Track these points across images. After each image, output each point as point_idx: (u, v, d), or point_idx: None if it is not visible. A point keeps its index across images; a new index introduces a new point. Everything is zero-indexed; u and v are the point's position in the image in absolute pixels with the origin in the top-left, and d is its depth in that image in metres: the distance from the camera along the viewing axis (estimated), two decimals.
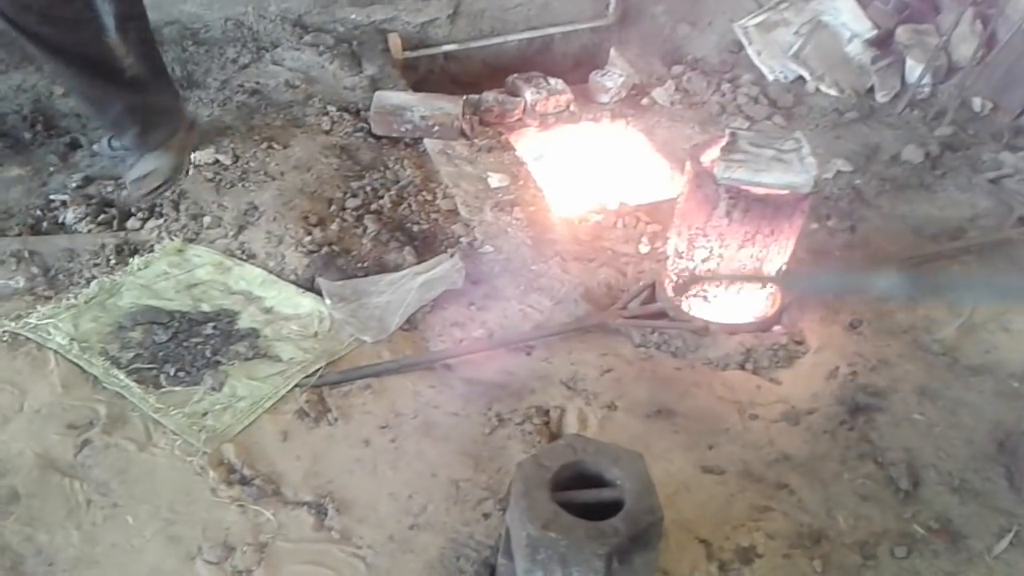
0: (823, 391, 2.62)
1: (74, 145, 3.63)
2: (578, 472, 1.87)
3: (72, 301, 2.73)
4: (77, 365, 2.50)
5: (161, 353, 2.58)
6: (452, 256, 3.02)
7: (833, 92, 4.26)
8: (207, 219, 3.14)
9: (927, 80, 4.23)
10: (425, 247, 3.16)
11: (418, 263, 3.02)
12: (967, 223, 3.45)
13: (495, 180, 3.48)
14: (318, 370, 2.56)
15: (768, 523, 2.20)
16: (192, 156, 3.41)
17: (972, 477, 2.32)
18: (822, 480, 2.32)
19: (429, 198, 3.41)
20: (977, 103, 4.14)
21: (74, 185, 3.33)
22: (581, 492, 1.82)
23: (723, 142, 2.65)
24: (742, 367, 2.74)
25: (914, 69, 4.25)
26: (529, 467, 1.84)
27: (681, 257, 2.77)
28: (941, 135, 3.94)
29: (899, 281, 2.51)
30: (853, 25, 4.46)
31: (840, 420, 2.51)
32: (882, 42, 4.43)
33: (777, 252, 2.64)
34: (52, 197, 3.25)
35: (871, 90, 4.30)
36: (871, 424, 2.49)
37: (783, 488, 2.30)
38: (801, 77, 4.34)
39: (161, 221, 3.14)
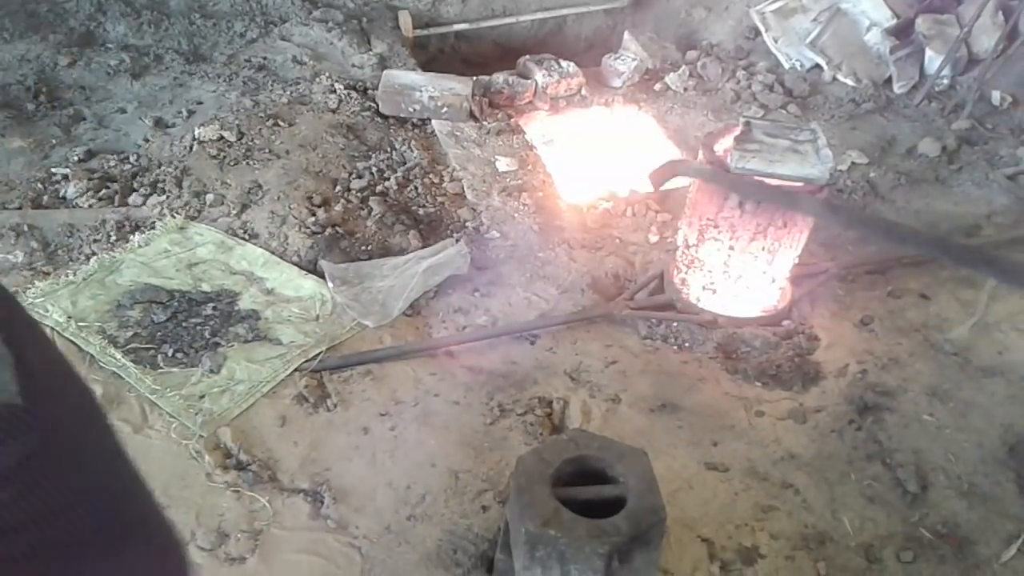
0: (831, 389, 2.58)
1: (78, 118, 3.57)
2: (580, 468, 1.83)
3: (71, 278, 2.69)
4: (74, 343, 2.46)
5: (159, 333, 2.54)
6: (458, 241, 2.97)
7: (850, 82, 4.18)
8: (210, 197, 3.10)
9: (946, 72, 4.15)
10: (430, 231, 3.11)
11: (423, 247, 2.97)
12: (983, 220, 3.39)
13: (503, 164, 3.42)
14: (318, 354, 2.52)
15: (772, 523, 2.16)
16: (196, 131, 3.36)
17: (981, 481, 2.27)
18: (828, 480, 2.28)
19: (436, 181, 3.35)
20: (996, 97, 4.06)
21: (76, 159, 3.28)
22: (583, 489, 1.78)
23: (737, 131, 2.58)
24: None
25: (933, 60, 4.17)
26: (530, 461, 1.80)
27: (690, 248, 2.71)
28: (959, 129, 3.87)
29: (933, 242, 2.35)
30: (873, 13, 4.37)
31: (848, 419, 2.46)
32: (902, 31, 4.35)
33: (789, 245, 2.58)
34: (54, 170, 3.21)
35: (889, 80, 4.22)
36: (880, 424, 2.44)
37: (788, 488, 2.26)
38: (818, 65, 4.26)
39: (163, 198, 3.09)
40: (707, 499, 2.21)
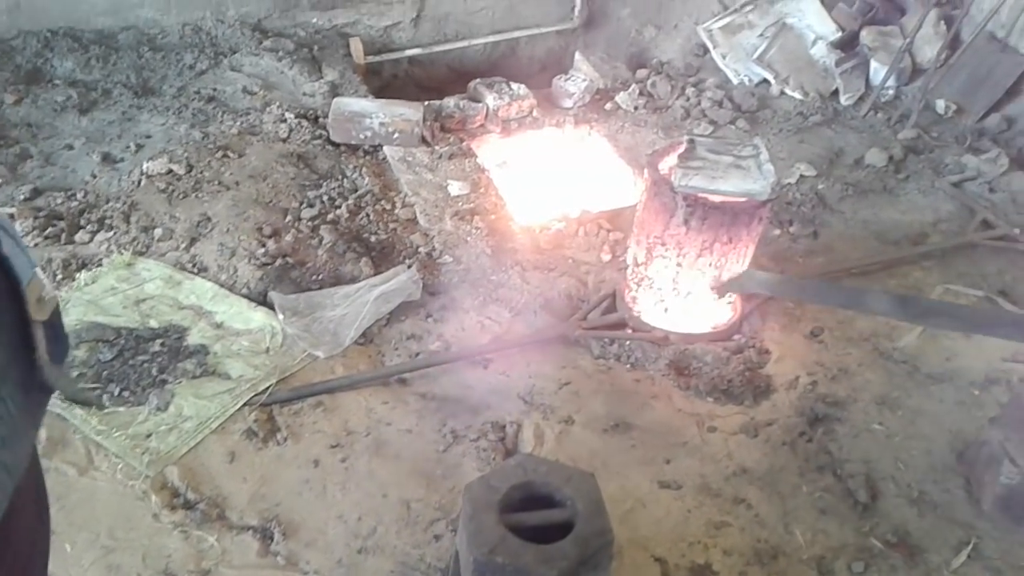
0: (782, 402, 2.59)
1: (24, 156, 3.52)
2: (529, 493, 1.82)
3: None
4: None
5: (105, 372, 2.50)
6: (409, 267, 2.97)
7: (798, 95, 4.25)
8: (158, 231, 3.07)
9: (891, 82, 4.23)
10: (383, 258, 3.10)
11: (375, 275, 2.96)
12: (929, 227, 3.45)
13: (456, 188, 3.42)
14: (268, 387, 2.50)
15: (725, 539, 2.17)
16: (144, 166, 3.33)
17: (931, 488, 2.30)
18: (780, 494, 2.29)
19: (388, 207, 3.35)
20: (941, 105, 4.14)
21: (22, 197, 3.23)
22: (530, 515, 1.77)
23: (681, 149, 2.61)
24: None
25: (879, 71, 4.25)
26: (477, 489, 1.79)
27: (640, 266, 2.73)
28: (905, 138, 3.94)
29: (891, 303, 2.48)
30: (818, 27, 4.45)
31: (799, 431, 2.48)
32: (847, 44, 4.42)
33: (736, 260, 2.60)
34: None
35: (835, 93, 4.29)
36: (830, 435, 2.46)
37: (741, 503, 2.27)
38: (766, 80, 4.32)
39: (111, 234, 3.05)
40: (660, 518, 2.22)
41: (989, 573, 2.09)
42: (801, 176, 3.69)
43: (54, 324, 0.90)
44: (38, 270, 0.85)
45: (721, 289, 2.67)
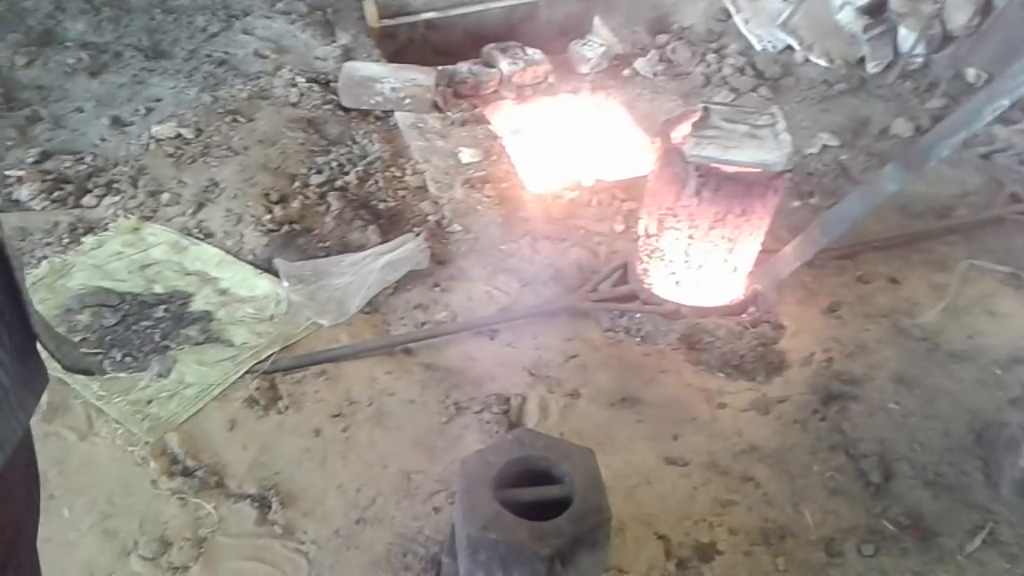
0: (796, 378, 2.52)
1: (34, 118, 3.50)
2: (526, 468, 1.77)
3: None
4: None
5: (108, 337, 2.48)
6: (417, 235, 2.91)
7: (823, 62, 4.12)
8: (165, 196, 3.03)
9: (920, 50, 4.09)
10: (391, 226, 3.05)
11: (383, 243, 2.91)
12: (956, 200, 3.33)
13: (467, 155, 3.35)
14: (271, 355, 2.47)
15: (731, 518, 2.11)
16: (153, 130, 3.30)
17: (947, 470, 2.23)
18: (790, 473, 2.23)
19: (397, 174, 3.29)
20: (971, 74, 4.00)
21: (31, 160, 3.21)
22: (526, 490, 1.73)
23: (695, 117, 2.52)
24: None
25: (907, 38, 4.10)
26: (473, 463, 1.75)
27: (651, 237, 2.65)
28: (933, 108, 3.81)
29: (897, 172, 2.38)
30: None
31: (812, 409, 2.41)
32: (875, 9, 4.27)
33: (749, 233, 2.52)
34: (7, 173, 3.13)
35: (862, 60, 4.15)
36: (844, 413, 2.39)
37: (749, 481, 2.21)
38: (790, 47, 4.19)
39: (118, 198, 3.03)
40: (665, 494, 2.17)
41: (1005, 559, 2.03)
42: (824, 146, 3.58)
43: None
44: None
45: (765, 286, 2.61)
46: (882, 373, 2.53)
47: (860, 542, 2.05)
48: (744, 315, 2.73)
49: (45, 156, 3.25)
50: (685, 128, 2.53)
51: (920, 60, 4.12)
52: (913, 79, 4.05)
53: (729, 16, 4.40)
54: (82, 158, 3.23)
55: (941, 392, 2.47)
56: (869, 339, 2.65)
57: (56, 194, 3.04)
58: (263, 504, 2.09)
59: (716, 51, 4.22)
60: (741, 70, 4.05)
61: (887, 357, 2.59)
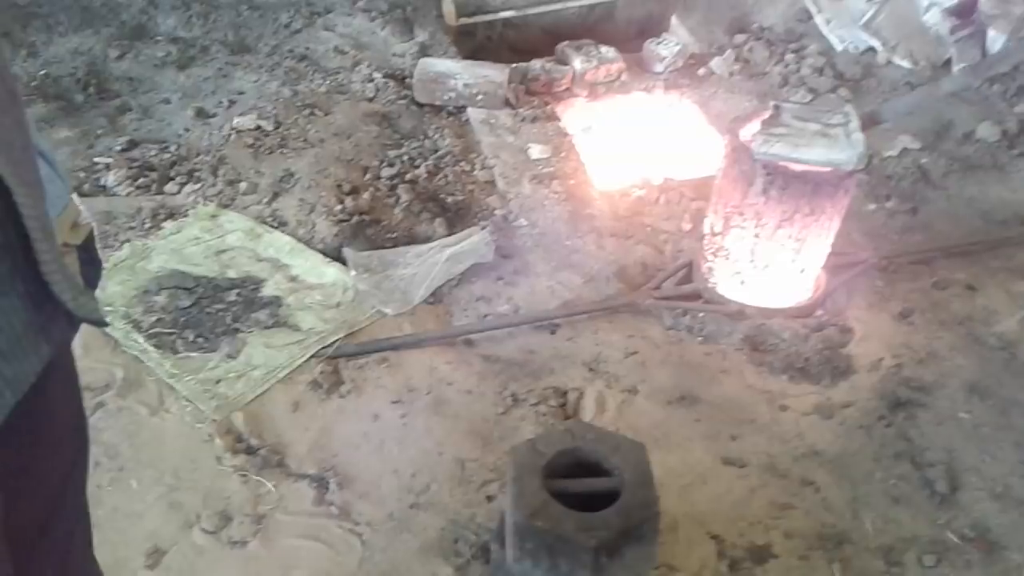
0: (862, 383, 2.46)
1: (124, 108, 3.66)
2: (576, 459, 1.78)
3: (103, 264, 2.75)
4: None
5: (183, 318, 2.58)
6: (483, 229, 2.94)
7: (906, 64, 3.99)
8: (243, 185, 3.14)
9: None
10: (458, 219, 3.09)
11: (449, 235, 2.95)
12: None
13: (536, 151, 3.37)
14: (336, 341, 2.53)
15: (788, 521, 2.08)
16: (235, 121, 3.42)
17: (1017, 484, 2.14)
18: (851, 479, 2.18)
19: (467, 169, 3.33)
20: None
21: (119, 148, 3.36)
22: (575, 481, 1.74)
23: (766, 115, 2.49)
24: None
25: (996, 40, 3.94)
26: (523, 452, 1.77)
27: (716, 236, 2.63)
28: (1021, 112, 3.66)
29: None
30: None
31: (878, 415, 2.35)
32: (964, 11, 4.12)
33: (818, 233, 2.47)
34: (96, 160, 3.29)
35: (948, 62, 4.01)
36: (912, 421, 2.32)
37: (808, 485, 2.17)
38: (872, 48, 4.08)
39: (198, 186, 3.15)
40: (721, 495, 2.14)
41: None
42: (904, 149, 3.48)
43: (88, 248, 0.92)
44: (74, 196, 0.90)
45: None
46: (954, 381, 2.44)
47: (921, 552, 1.99)
48: (811, 318, 2.67)
49: (132, 144, 3.39)
50: (755, 126, 2.50)
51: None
52: (1001, 82, 3.89)
53: (810, 16, 4.30)
54: (167, 147, 3.36)
55: (1016, 403, 2.37)
56: (942, 346, 2.57)
57: (140, 181, 3.17)
58: (321, 485, 2.14)
59: (795, 51, 4.13)
60: (820, 71, 3.96)
61: (960, 365, 2.50)
